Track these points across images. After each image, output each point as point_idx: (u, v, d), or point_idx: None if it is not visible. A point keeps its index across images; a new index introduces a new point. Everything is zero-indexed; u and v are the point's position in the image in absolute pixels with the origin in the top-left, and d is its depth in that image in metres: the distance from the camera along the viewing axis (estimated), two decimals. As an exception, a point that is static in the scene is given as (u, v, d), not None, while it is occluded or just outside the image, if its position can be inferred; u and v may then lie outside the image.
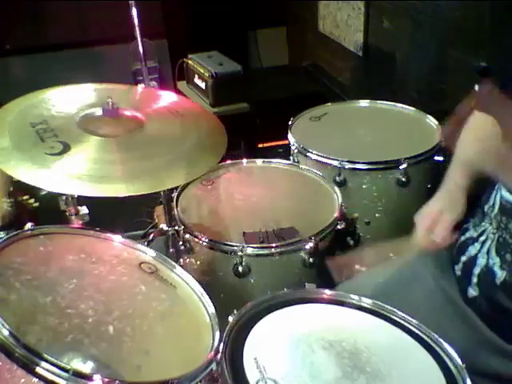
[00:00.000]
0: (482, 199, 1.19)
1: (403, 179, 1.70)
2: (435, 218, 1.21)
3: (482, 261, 1.12)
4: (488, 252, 1.11)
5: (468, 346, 1.06)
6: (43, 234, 1.22)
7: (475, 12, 2.15)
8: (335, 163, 1.71)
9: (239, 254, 1.38)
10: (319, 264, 1.43)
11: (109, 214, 2.05)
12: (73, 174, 1.18)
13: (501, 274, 1.08)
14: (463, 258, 1.17)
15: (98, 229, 1.32)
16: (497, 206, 1.12)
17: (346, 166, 1.70)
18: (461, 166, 1.25)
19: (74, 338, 0.98)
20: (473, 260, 1.14)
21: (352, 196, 1.70)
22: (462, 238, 1.20)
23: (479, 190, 1.22)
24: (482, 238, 1.14)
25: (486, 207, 1.16)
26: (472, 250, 1.15)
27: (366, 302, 1.13)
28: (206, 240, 1.45)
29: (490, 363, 1.08)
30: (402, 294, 1.20)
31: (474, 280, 1.12)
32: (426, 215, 1.23)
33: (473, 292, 1.13)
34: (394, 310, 1.10)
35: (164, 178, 1.25)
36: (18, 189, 2.67)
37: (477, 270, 1.12)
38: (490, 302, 1.10)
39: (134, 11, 1.83)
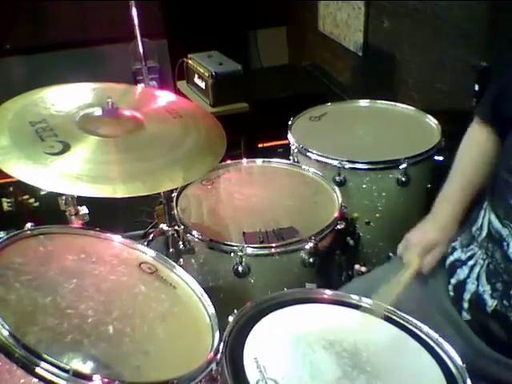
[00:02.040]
0: (471, 217, 1.17)
1: (403, 179, 1.70)
2: (427, 248, 1.23)
3: (471, 286, 1.10)
4: (478, 278, 1.09)
5: (465, 354, 1.05)
6: (43, 234, 1.22)
7: (475, 12, 2.15)
8: (335, 163, 1.71)
9: (239, 254, 1.38)
10: (319, 264, 1.43)
11: (109, 214, 2.05)
12: (72, 173, 1.18)
13: (491, 303, 1.05)
14: (453, 281, 1.15)
15: (97, 229, 1.32)
16: (484, 232, 1.09)
17: (346, 166, 1.70)
18: (461, 183, 1.26)
19: (73, 338, 0.98)
20: (462, 284, 1.12)
21: (352, 196, 1.70)
22: (451, 258, 1.18)
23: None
24: (471, 263, 1.11)
25: (474, 229, 1.13)
26: (461, 273, 1.13)
27: (366, 302, 1.13)
28: (206, 240, 1.45)
29: (489, 371, 1.07)
30: (399, 299, 1.19)
31: (465, 305, 1.11)
32: (418, 242, 1.25)
33: (466, 316, 1.12)
34: (394, 310, 1.10)
35: (163, 180, 1.25)
36: (18, 189, 2.68)
37: (467, 296, 1.10)
38: (483, 328, 1.08)
39: (134, 11, 1.83)
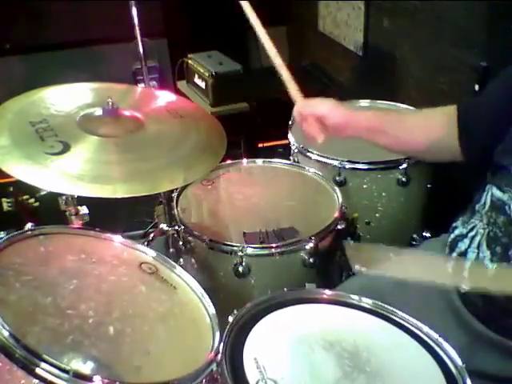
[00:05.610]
0: (474, 199, 1.20)
1: (403, 179, 1.70)
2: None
3: (472, 255, 1.12)
4: (478, 246, 1.11)
5: (464, 345, 1.06)
6: (43, 234, 1.22)
7: (475, 12, 2.15)
8: (335, 163, 1.71)
9: (239, 254, 1.38)
10: (319, 264, 1.43)
11: (109, 214, 2.05)
12: (72, 173, 1.18)
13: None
14: (454, 255, 1.17)
15: (97, 229, 1.32)
16: (488, 204, 1.13)
17: (346, 166, 1.70)
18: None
19: (74, 338, 0.98)
20: (463, 255, 1.14)
21: (352, 196, 1.70)
22: (452, 236, 1.20)
23: (472, 190, 1.22)
24: (471, 234, 1.14)
25: (478, 206, 1.17)
26: (462, 245, 1.16)
27: (366, 302, 1.13)
28: (206, 240, 1.44)
29: (487, 362, 1.07)
30: (396, 293, 1.20)
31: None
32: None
33: (465, 287, 1.14)
34: (394, 310, 1.10)
35: (163, 180, 1.25)
36: (18, 189, 2.67)
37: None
38: (482, 296, 1.09)
39: (134, 11, 1.83)
